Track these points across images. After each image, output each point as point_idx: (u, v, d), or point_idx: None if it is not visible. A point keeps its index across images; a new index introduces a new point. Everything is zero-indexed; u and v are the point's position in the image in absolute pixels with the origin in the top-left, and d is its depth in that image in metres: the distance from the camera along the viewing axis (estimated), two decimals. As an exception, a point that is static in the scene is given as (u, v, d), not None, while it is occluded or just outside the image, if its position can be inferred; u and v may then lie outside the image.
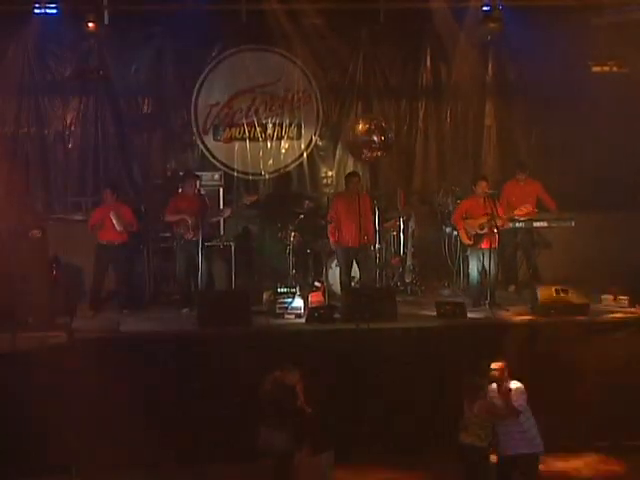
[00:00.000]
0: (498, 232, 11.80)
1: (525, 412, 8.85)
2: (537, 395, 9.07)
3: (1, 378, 9.93)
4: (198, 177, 12.83)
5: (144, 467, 10.03)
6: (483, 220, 11.91)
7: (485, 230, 11.90)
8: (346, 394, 10.52)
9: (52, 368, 9.92)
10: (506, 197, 12.85)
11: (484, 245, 11.94)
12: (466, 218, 12.18)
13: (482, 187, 12.11)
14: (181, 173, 13.50)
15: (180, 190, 12.68)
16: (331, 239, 12.28)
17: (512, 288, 13.20)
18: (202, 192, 12.75)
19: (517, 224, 12.43)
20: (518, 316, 11.55)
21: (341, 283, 12.26)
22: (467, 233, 12.16)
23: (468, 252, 12.40)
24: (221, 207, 13.26)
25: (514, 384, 8.90)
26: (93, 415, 9.95)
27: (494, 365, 8.94)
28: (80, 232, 12.58)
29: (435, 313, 11.41)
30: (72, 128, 14.13)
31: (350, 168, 14.42)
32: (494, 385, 8.94)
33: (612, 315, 11.54)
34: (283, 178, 14.69)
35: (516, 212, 12.27)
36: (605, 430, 10.72)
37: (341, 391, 10.50)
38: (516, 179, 13.13)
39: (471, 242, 12.16)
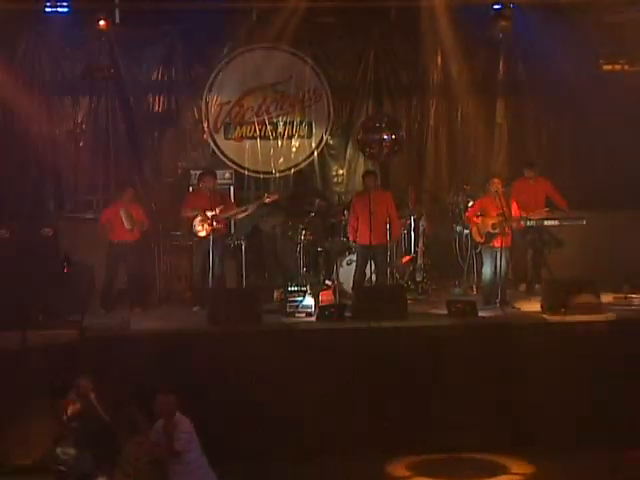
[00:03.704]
0: (511, 232, 11.80)
1: (193, 450, 8.04)
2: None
3: (12, 376, 9.94)
4: (216, 174, 12.86)
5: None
6: (496, 220, 11.86)
7: (497, 230, 11.86)
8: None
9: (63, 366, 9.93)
10: (516, 195, 12.78)
11: (497, 244, 11.88)
12: (480, 216, 12.14)
13: (495, 185, 12.03)
14: (195, 172, 13.40)
15: (200, 186, 12.46)
16: (350, 237, 12.37)
17: (523, 287, 13.18)
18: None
19: (528, 222, 12.38)
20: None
21: (354, 281, 12.26)
22: (479, 231, 12.10)
23: (481, 250, 12.29)
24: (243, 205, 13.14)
25: (180, 420, 8.08)
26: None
27: (161, 398, 8.04)
28: (91, 230, 12.60)
29: (446, 312, 11.39)
30: (83, 127, 14.16)
31: (361, 167, 14.45)
32: (161, 421, 8.08)
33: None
34: (294, 177, 14.68)
35: (532, 215, 12.17)
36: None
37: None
38: (525, 177, 13.11)
39: (482, 240, 12.08)
